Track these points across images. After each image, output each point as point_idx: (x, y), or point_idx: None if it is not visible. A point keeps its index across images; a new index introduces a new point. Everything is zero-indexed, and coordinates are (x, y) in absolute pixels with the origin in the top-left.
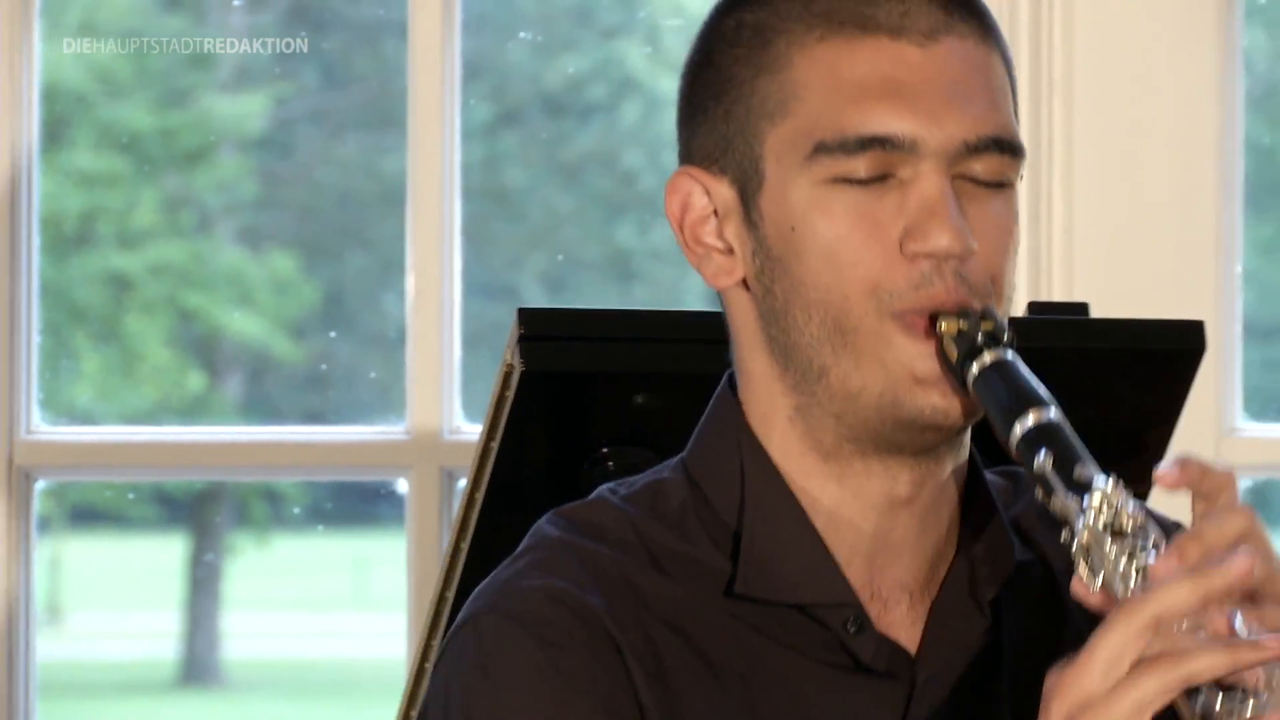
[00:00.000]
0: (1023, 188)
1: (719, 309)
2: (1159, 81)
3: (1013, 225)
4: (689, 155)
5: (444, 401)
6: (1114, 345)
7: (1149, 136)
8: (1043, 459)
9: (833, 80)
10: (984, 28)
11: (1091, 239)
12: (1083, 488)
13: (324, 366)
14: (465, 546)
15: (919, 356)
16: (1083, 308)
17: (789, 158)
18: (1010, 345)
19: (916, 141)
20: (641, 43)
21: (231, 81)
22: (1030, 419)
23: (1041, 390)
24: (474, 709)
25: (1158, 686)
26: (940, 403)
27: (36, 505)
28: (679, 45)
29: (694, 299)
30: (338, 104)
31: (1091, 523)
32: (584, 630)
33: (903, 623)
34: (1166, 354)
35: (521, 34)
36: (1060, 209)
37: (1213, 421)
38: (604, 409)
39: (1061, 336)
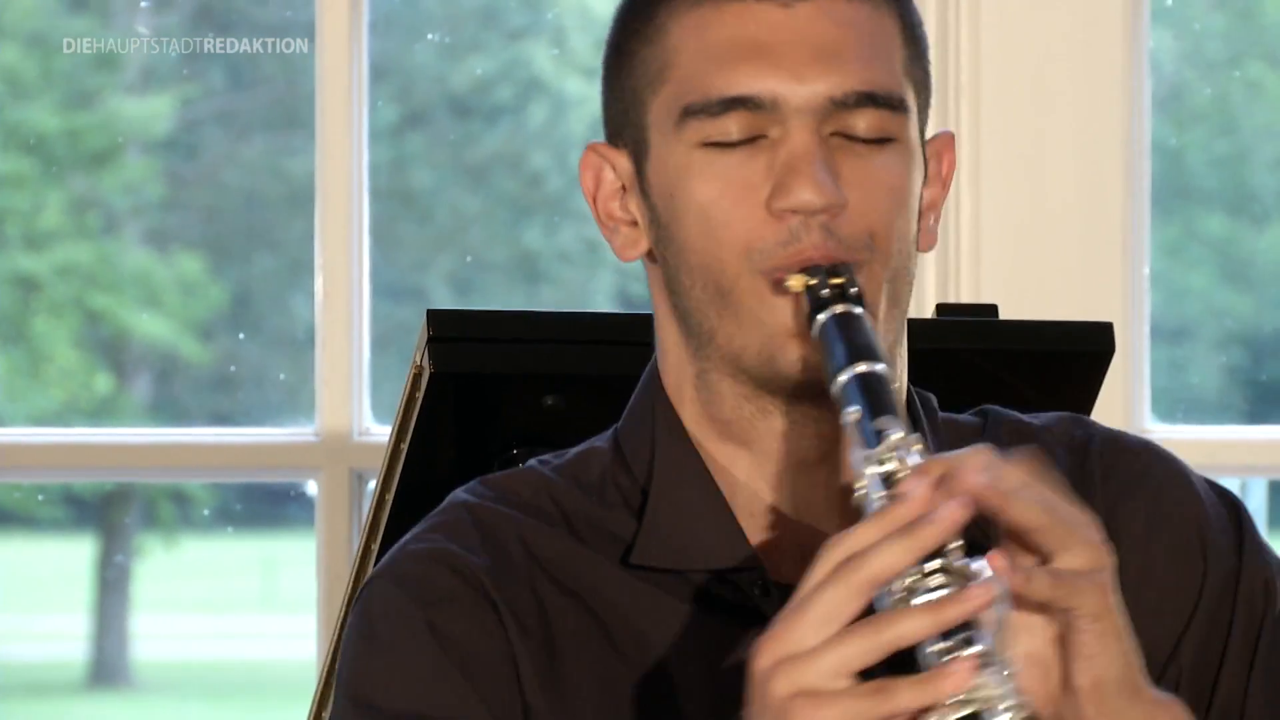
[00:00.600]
0: None
1: (628, 310)
2: (1065, 83)
3: (898, 181)
4: (604, 133)
5: (353, 403)
6: (1023, 347)
7: (1056, 139)
8: (852, 410)
9: (700, 44)
10: None
11: (999, 241)
12: (881, 439)
13: (232, 368)
14: (376, 548)
15: (793, 312)
16: (991, 309)
17: (666, 124)
18: (859, 301)
19: (779, 101)
20: (548, 44)
21: (138, 83)
22: (852, 371)
23: (877, 347)
24: (359, 670)
25: (863, 648)
26: (813, 356)
27: None
28: (586, 47)
29: (602, 300)
30: (244, 105)
31: (871, 470)
32: (462, 587)
33: None
34: (1075, 355)
35: (429, 35)
36: (968, 211)
37: (1121, 423)
38: (514, 410)
39: (970, 338)
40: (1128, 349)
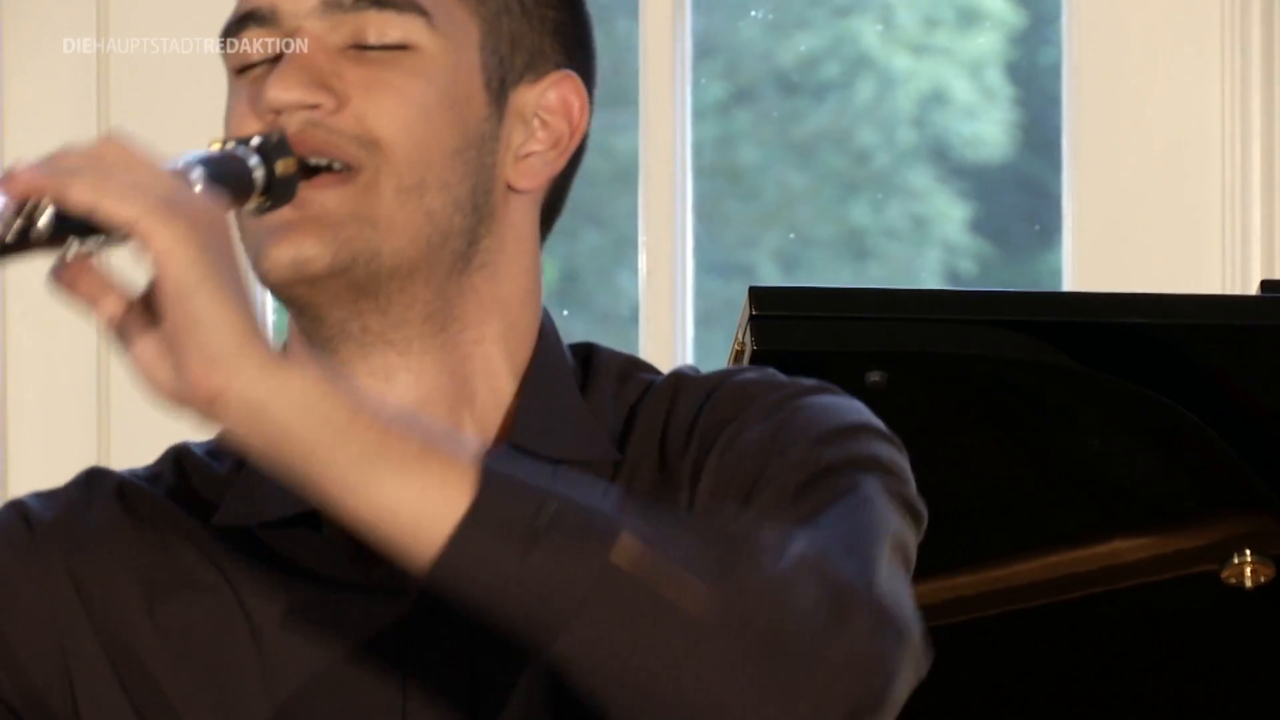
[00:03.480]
0: (1256, 164)
1: (954, 287)
2: None
3: (415, 89)
4: None
5: None
6: None
7: None
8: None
9: None
10: None
11: None
12: None
13: None
14: None
15: (259, 209)
16: None
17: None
18: (260, 152)
19: (276, 8)
20: (874, 20)
21: None
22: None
23: (227, 173)
24: None
25: None
26: (289, 251)
27: None
28: (913, 22)
29: (928, 277)
30: None
31: None
32: (22, 537)
33: None
34: None
35: (753, 12)
36: None
37: None
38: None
39: None
40: None
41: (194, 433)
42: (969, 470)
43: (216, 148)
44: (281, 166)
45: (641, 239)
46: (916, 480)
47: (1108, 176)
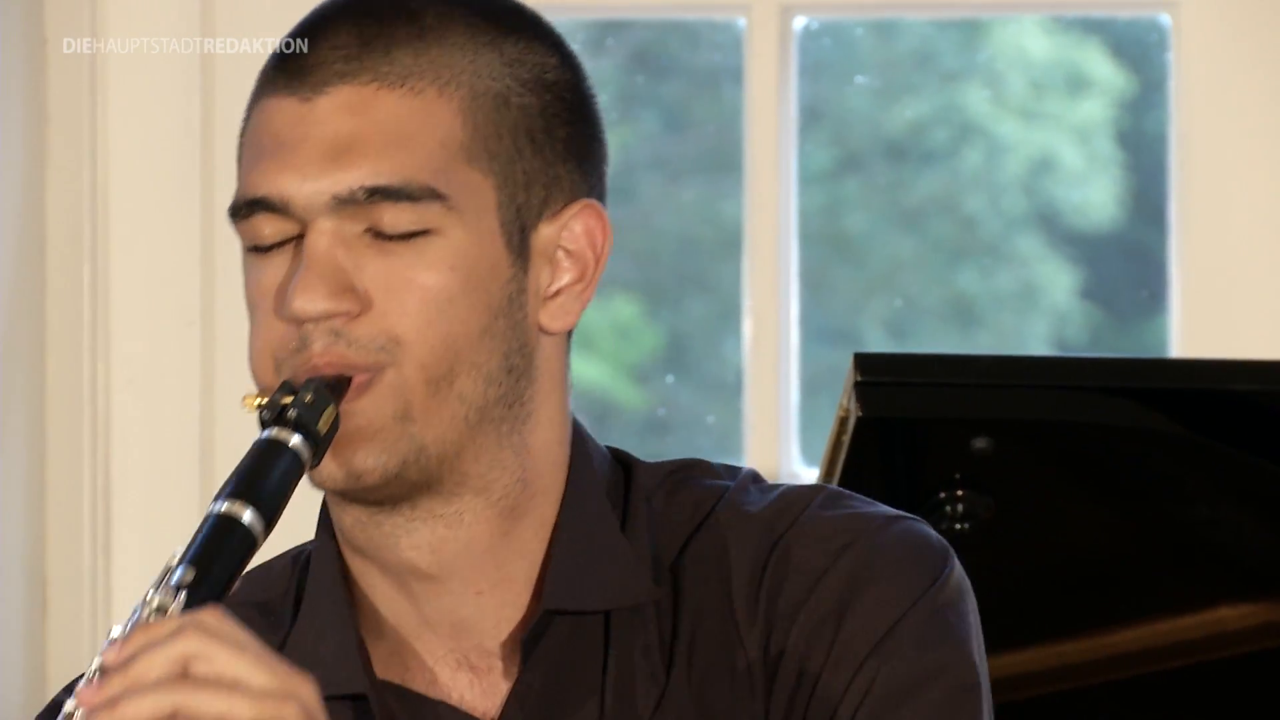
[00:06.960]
0: None
1: (1059, 354)
2: None
3: (432, 278)
4: None
5: (781, 446)
6: None
7: None
8: (176, 563)
9: (243, 144)
10: (404, 71)
11: None
12: (162, 582)
13: (662, 411)
14: None
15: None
16: None
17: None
18: (299, 425)
19: (288, 201)
20: (983, 86)
21: None
22: (214, 506)
23: (270, 489)
24: None
25: None
26: (340, 468)
27: None
28: (1021, 89)
29: (1036, 344)
30: (677, 150)
31: (144, 599)
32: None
33: (498, 689)
34: None
35: (859, 79)
36: None
37: None
38: (942, 454)
39: None
40: None
41: (293, 520)
42: (1075, 536)
43: (251, 405)
44: (323, 423)
45: (747, 305)
46: (1021, 546)
47: (1215, 242)
